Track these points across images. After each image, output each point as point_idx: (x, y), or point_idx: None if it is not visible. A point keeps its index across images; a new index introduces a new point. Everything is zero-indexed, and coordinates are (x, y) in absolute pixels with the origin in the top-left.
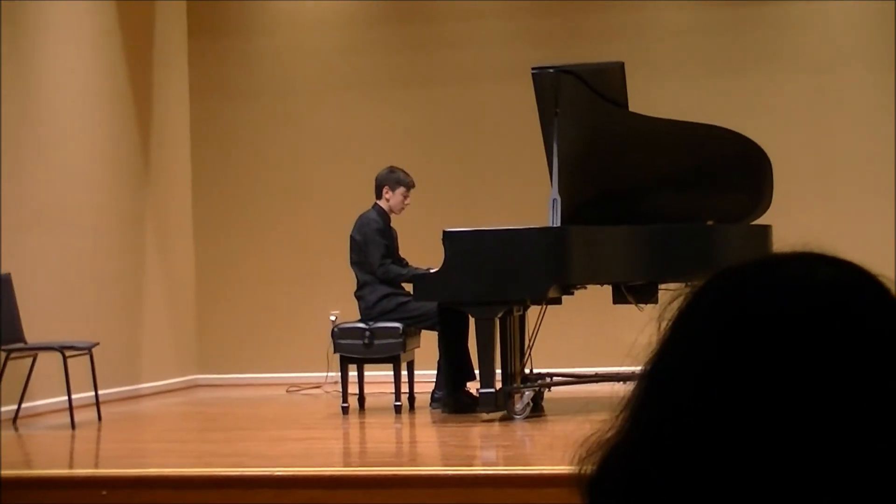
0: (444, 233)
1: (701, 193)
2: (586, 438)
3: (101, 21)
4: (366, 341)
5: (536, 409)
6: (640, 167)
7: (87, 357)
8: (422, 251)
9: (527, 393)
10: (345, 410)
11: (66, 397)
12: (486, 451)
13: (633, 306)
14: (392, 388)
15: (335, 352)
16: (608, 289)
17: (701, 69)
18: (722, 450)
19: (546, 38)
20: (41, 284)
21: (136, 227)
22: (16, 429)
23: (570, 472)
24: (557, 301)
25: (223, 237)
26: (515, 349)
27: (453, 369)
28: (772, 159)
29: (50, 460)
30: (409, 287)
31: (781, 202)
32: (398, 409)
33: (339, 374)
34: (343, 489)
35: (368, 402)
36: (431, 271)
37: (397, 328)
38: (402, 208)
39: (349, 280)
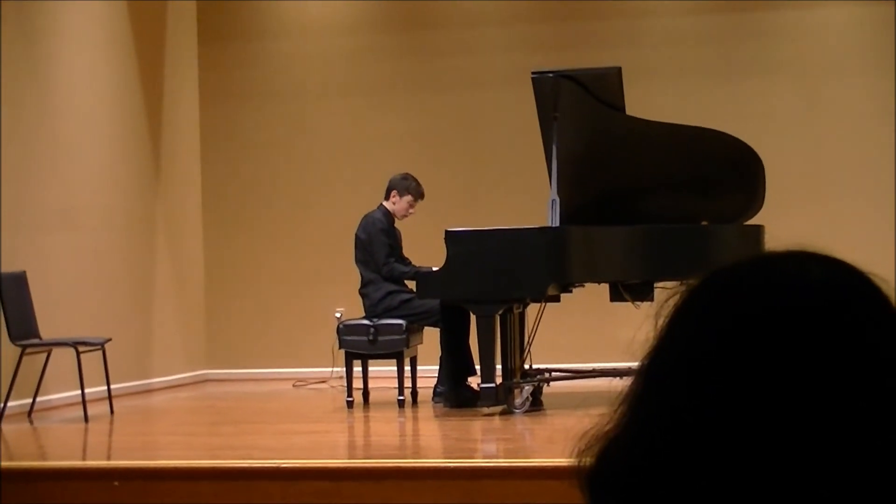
0: (446, 232)
1: (696, 195)
2: (585, 432)
3: (113, 26)
4: (370, 337)
5: (536, 404)
6: (636, 169)
7: (100, 352)
8: (425, 252)
9: (526, 388)
10: (350, 405)
11: (79, 391)
12: (487, 444)
13: (630, 304)
14: (395, 383)
15: (340, 347)
16: (606, 287)
17: (697, 76)
18: (717, 445)
19: (546, 45)
20: (56, 282)
21: (148, 228)
22: (31, 422)
23: (570, 464)
24: (556, 299)
25: (232, 237)
26: (515, 345)
27: (455, 365)
28: (767, 164)
29: (64, 452)
30: (412, 285)
31: (776, 206)
32: (401, 404)
33: (345, 369)
34: (348, 481)
35: (373, 396)
36: (434, 270)
37: (401, 325)
38: (405, 215)
39: (354, 278)
